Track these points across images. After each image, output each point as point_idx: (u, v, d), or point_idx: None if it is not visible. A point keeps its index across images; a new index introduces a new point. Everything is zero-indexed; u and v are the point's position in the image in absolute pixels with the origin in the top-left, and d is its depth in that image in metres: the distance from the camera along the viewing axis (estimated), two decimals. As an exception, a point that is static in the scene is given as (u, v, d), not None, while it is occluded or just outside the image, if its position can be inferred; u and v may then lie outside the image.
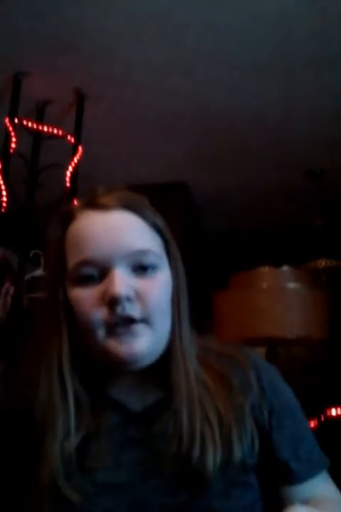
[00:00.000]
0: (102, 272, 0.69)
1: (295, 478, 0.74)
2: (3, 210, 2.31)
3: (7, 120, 2.40)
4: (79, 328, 0.70)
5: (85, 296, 0.68)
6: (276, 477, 0.75)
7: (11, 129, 2.40)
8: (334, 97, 2.56)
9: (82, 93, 2.55)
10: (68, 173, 2.52)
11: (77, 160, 2.55)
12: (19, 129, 2.44)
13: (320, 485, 0.75)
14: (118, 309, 0.67)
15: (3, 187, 2.33)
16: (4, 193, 2.33)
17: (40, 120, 2.58)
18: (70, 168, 2.52)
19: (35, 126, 2.55)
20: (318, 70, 2.37)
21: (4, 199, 2.32)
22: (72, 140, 2.57)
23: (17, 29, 2.15)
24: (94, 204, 0.73)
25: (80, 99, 2.57)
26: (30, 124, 2.53)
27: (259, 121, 2.80)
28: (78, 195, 2.54)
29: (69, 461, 0.68)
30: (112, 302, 0.67)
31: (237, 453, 0.69)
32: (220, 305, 2.22)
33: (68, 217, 0.74)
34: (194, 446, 0.68)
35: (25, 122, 2.51)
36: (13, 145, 2.39)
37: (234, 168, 3.32)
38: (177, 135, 2.96)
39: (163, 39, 2.21)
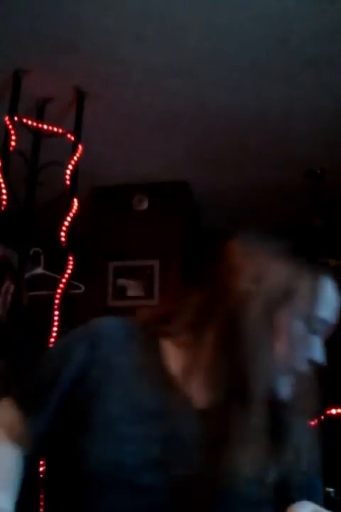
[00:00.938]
0: (317, 334, 0.80)
1: None
2: (3, 208, 2.31)
3: (7, 118, 2.40)
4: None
5: (302, 341, 0.78)
6: None
7: (10, 127, 2.40)
8: (334, 97, 2.56)
9: (82, 91, 2.55)
10: (68, 172, 2.52)
11: (77, 158, 2.55)
12: (19, 127, 2.45)
13: None
14: (308, 369, 0.79)
15: (3, 185, 2.33)
16: (4, 191, 2.33)
17: (40, 118, 2.58)
18: (70, 167, 2.52)
19: (35, 124, 2.55)
20: (318, 70, 2.37)
21: (4, 197, 2.32)
22: (72, 138, 2.57)
23: (17, 28, 2.15)
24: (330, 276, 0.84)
25: (80, 97, 2.57)
26: (30, 122, 2.53)
27: (259, 121, 2.80)
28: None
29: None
30: (315, 364, 0.79)
31: (272, 474, 0.73)
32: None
33: (322, 272, 0.83)
34: (235, 453, 0.70)
35: (25, 120, 2.51)
36: (13, 143, 2.39)
37: (234, 168, 3.32)
38: (178, 135, 2.96)
39: (163, 39, 2.21)
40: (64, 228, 2.44)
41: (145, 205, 3.48)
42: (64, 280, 2.40)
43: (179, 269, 3.34)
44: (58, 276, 2.45)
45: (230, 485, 0.70)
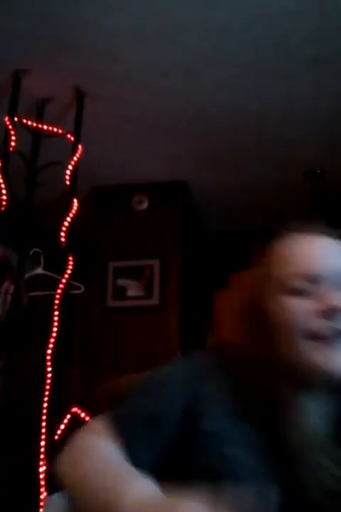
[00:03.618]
0: (314, 287, 0.73)
1: None
2: (2, 208, 2.31)
3: (7, 118, 2.40)
4: (278, 336, 0.73)
5: (296, 306, 0.73)
6: None
7: (10, 127, 2.40)
8: (334, 97, 2.56)
9: (81, 91, 2.55)
10: (68, 172, 2.52)
11: (77, 158, 2.55)
12: (19, 127, 2.44)
13: None
14: (332, 322, 0.71)
15: (2, 185, 2.33)
16: (4, 191, 2.33)
17: (39, 118, 2.58)
18: (70, 167, 2.52)
19: (34, 124, 2.55)
20: (318, 70, 2.37)
21: (4, 197, 2.32)
22: (72, 138, 2.57)
23: (17, 28, 2.15)
24: (309, 230, 0.81)
25: (80, 97, 2.57)
26: (29, 123, 2.53)
27: (259, 121, 2.80)
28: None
29: None
30: (330, 314, 0.71)
31: None
32: (220, 305, 2.22)
33: (280, 237, 0.82)
34: None
35: (24, 120, 2.51)
36: (12, 143, 2.39)
37: (234, 168, 3.32)
38: (177, 135, 2.96)
39: (163, 39, 2.21)
40: (64, 228, 2.44)
41: (145, 205, 3.48)
42: (64, 280, 2.40)
43: (179, 269, 3.34)
44: (58, 277, 2.45)
45: None
